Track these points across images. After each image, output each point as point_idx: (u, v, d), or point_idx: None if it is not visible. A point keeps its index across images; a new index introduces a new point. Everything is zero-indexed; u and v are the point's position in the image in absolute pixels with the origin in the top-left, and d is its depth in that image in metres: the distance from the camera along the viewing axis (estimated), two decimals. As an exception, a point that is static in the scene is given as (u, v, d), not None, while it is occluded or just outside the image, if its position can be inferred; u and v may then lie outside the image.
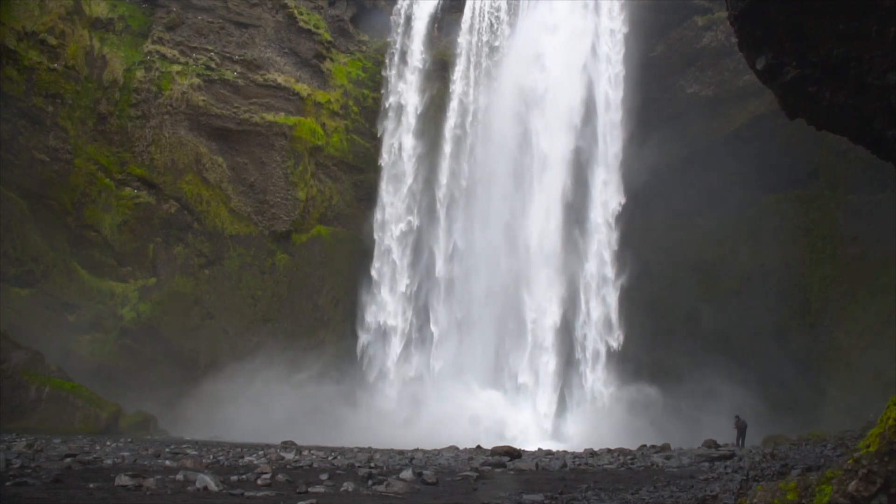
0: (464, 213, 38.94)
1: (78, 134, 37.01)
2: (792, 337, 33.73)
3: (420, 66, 41.84)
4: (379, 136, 41.90)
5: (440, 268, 38.81)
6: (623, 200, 35.98)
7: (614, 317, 35.24)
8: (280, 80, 40.93)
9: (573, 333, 35.35)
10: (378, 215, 40.53)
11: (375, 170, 41.49)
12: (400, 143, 41.10)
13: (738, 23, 8.74)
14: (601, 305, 35.44)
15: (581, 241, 36.00)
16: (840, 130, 9.01)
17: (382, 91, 42.52)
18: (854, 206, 32.03)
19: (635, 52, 36.94)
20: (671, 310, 36.46)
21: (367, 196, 41.68)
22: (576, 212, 36.09)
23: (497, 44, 40.16)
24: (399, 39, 42.59)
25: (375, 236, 40.31)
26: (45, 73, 35.67)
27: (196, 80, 39.62)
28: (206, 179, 39.60)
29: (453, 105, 40.32)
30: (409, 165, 40.74)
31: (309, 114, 41.21)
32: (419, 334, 39.13)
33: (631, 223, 35.83)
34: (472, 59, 40.46)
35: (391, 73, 42.32)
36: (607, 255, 35.80)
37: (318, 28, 42.33)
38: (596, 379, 34.57)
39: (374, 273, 39.80)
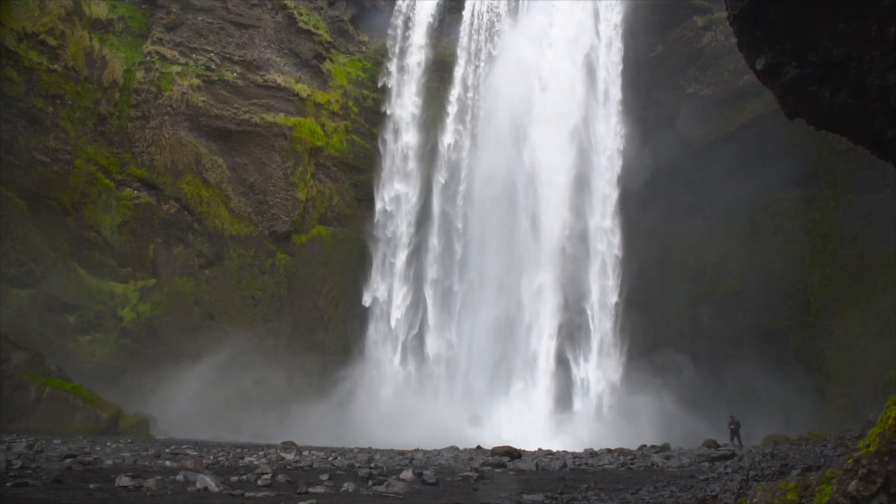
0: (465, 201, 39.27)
1: (78, 135, 37.00)
2: (792, 337, 33.72)
3: (419, 66, 41.87)
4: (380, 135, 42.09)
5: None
6: (622, 200, 36.01)
7: (613, 317, 35.24)
8: (280, 80, 40.91)
9: (573, 334, 35.36)
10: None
11: (375, 170, 41.67)
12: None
13: (738, 23, 8.72)
14: (601, 306, 35.43)
15: (581, 241, 36.02)
16: (840, 130, 8.99)
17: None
18: (854, 205, 31.98)
19: (635, 52, 36.96)
20: (671, 309, 36.46)
21: (367, 196, 41.72)
22: (577, 211, 36.13)
23: (497, 43, 40.17)
24: (398, 40, 42.58)
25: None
26: (45, 74, 35.63)
27: (196, 81, 39.62)
28: (206, 180, 39.59)
29: (452, 103, 40.42)
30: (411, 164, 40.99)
31: (309, 114, 41.21)
32: (418, 334, 39.22)
33: (630, 223, 35.83)
34: (472, 59, 40.48)
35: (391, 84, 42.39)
36: (607, 256, 35.79)
37: (317, 29, 42.32)
38: (595, 379, 34.57)
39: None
